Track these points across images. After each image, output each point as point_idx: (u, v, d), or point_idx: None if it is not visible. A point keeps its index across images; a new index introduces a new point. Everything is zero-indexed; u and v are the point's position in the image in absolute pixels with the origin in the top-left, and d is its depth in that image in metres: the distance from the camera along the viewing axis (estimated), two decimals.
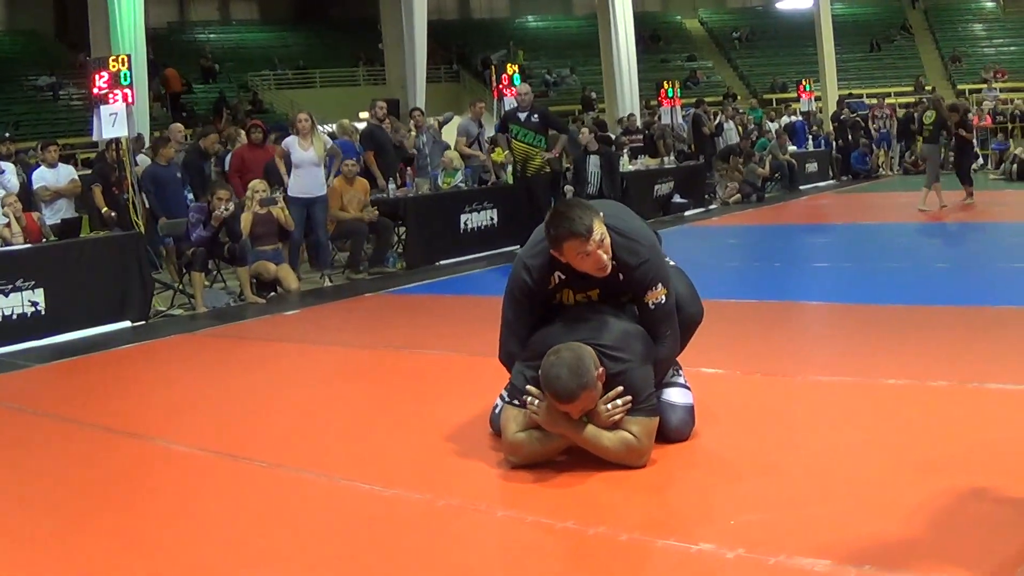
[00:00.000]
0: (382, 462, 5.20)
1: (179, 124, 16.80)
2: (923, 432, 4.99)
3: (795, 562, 3.59)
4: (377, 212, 13.04)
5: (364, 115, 23.48)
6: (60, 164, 13.30)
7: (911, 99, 31.81)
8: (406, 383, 7.15)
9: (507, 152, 14.57)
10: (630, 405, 4.75)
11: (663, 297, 4.93)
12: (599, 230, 4.76)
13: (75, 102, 30.56)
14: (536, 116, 14.12)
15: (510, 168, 14.88)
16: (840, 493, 4.25)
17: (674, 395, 5.16)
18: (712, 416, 5.39)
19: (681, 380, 5.27)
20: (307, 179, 12.43)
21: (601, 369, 4.69)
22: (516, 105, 14.65)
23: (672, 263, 5.38)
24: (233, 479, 5.17)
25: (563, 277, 5.02)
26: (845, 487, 4.33)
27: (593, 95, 31.08)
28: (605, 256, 4.82)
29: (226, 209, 10.83)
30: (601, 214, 4.88)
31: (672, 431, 5.05)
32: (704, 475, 4.80)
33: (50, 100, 31.43)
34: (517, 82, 17.29)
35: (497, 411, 5.38)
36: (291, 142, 12.61)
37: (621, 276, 4.96)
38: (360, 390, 7.10)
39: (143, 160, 13.70)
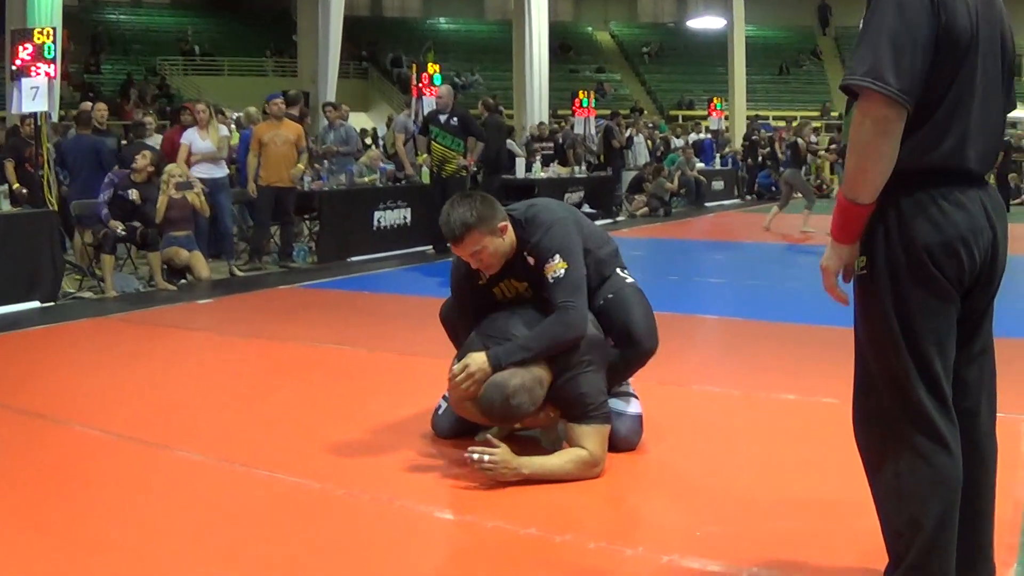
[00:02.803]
0: (330, 460, 5.08)
1: (86, 103, 16.52)
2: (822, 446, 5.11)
3: (773, 575, 3.63)
4: (303, 169, 12.92)
5: None
6: None
7: (818, 124, 32.27)
8: (338, 380, 7.04)
9: (426, 154, 14.52)
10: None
11: (561, 271, 4.81)
12: (477, 242, 4.75)
13: None
14: (456, 119, 14.08)
15: (425, 169, 14.84)
16: (795, 508, 4.32)
17: (622, 404, 5.15)
18: (652, 428, 5.35)
19: (629, 388, 5.26)
20: (207, 164, 12.50)
21: (541, 401, 4.70)
22: (436, 106, 14.66)
23: (630, 280, 5.31)
24: (155, 467, 5.03)
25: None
26: (798, 502, 4.39)
27: (492, 98, 31.02)
28: (486, 260, 4.83)
29: (141, 170, 10.82)
30: (496, 211, 4.83)
31: (621, 440, 5.04)
32: (658, 485, 4.82)
33: None
34: (438, 82, 17.28)
35: (439, 412, 5.37)
36: (191, 134, 12.67)
37: (527, 255, 4.93)
38: (289, 385, 6.92)
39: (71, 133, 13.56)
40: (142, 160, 11.05)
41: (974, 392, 3.09)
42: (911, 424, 2.92)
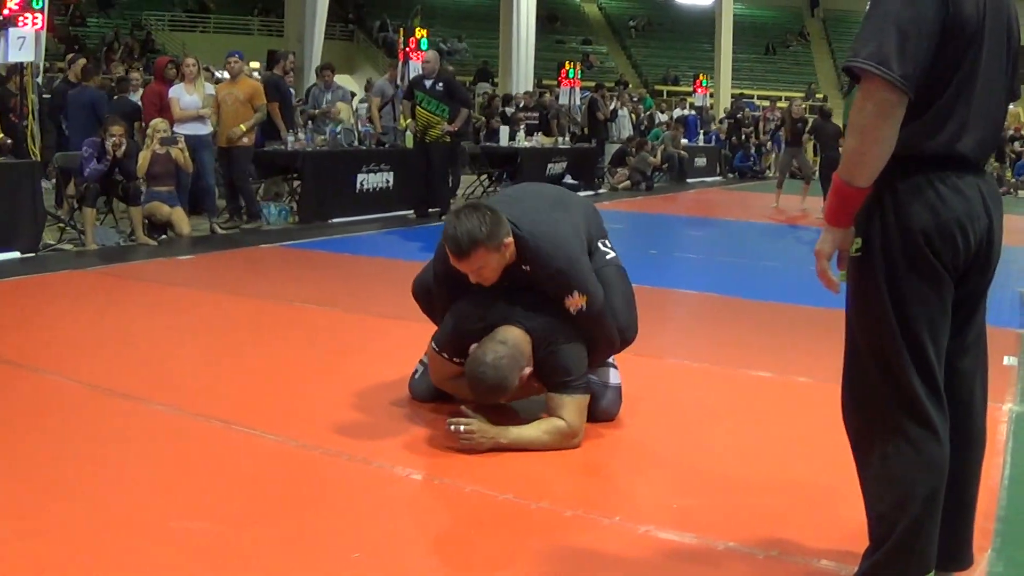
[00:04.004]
0: (307, 419, 5.07)
1: (71, 55, 16.50)
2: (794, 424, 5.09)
3: (749, 550, 3.65)
4: (243, 130, 12.64)
5: (254, 65, 23.21)
6: None
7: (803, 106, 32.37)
8: (317, 340, 7.02)
9: (410, 120, 14.50)
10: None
11: (583, 304, 4.72)
12: (482, 259, 4.59)
13: None
14: (441, 84, 14.08)
15: (409, 133, 14.80)
16: (771, 486, 4.35)
17: (603, 374, 5.16)
18: (629, 399, 5.36)
19: (610, 360, 5.24)
20: (191, 120, 12.41)
21: (528, 370, 4.69)
22: (422, 71, 14.63)
23: (611, 255, 5.23)
24: (130, 419, 5.02)
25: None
26: (775, 480, 4.42)
27: (483, 64, 30.97)
28: (486, 275, 4.70)
29: (116, 144, 10.61)
30: (502, 226, 4.64)
31: (600, 411, 5.06)
32: (635, 457, 4.84)
33: None
34: (425, 47, 17.26)
35: (417, 376, 5.40)
36: (178, 89, 12.54)
37: (527, 269, 4.77)
38: (267, 343, 6.92)
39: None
40: (113, 138, 10.83)
41: (968, 382, 3.11)
42: (901, 409, 2.93)
